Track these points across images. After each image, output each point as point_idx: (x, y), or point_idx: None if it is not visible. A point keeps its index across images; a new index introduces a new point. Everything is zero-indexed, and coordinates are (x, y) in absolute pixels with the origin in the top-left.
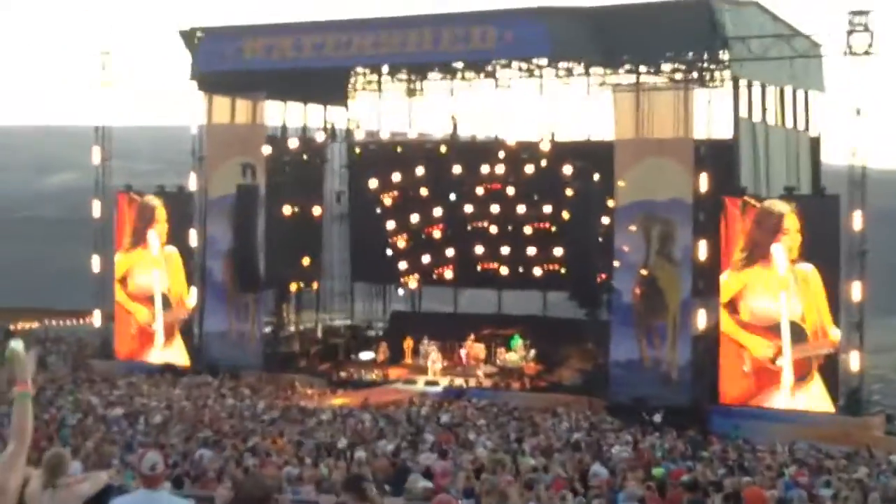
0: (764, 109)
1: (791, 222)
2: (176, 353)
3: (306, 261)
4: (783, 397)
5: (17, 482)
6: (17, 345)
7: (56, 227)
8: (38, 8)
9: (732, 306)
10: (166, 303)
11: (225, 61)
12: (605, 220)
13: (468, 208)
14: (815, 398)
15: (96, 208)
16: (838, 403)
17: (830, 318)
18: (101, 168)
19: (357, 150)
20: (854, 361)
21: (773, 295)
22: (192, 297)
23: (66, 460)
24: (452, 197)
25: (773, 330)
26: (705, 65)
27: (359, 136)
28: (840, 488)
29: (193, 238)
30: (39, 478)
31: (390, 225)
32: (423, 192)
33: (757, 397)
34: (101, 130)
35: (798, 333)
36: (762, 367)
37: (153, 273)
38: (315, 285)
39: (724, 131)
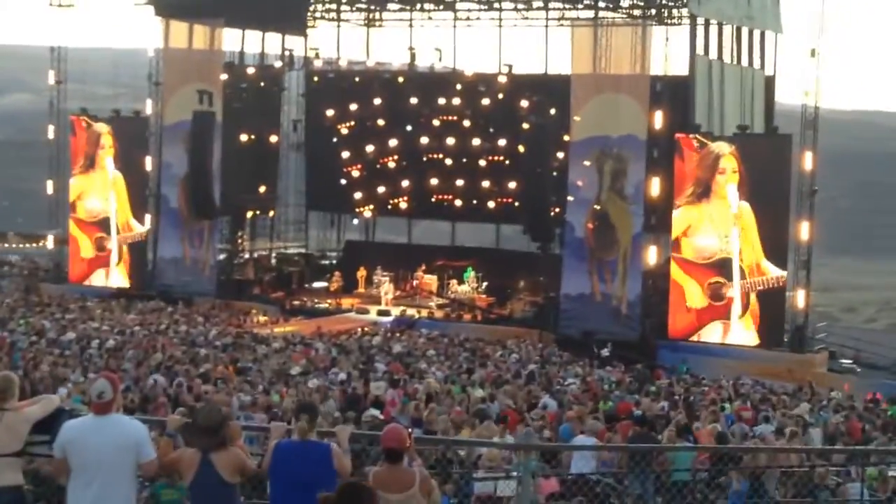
0: (720, 48)
1: (728, 162)
2: (122, 277)
3: (262, 188)
4: (724, 330)
5: None
6: None
7: (9, 149)
8: None
9: (680, 243)
10: (117, 226)
11: None
12: (560, 155)
13: (424, 140)
14: (750, 332)
15: (50, 131)
16: (778, 337)
17: (763, 255)
18: (56, 90)
19: (315, 79)
20: (800, 299)
21: (720, 232)
22: (140, 223)
23: (14, 384)
24: (409, 128)
25: (714, 266)
26: (663, 2)
27: (317, 64)
28: (784, 423)
29: (148, 164)
30: None
31: (346, 154)
32: (380, 122)
33: (700, 331)
34: (56, 51)
35: (739, 269)
36: (704, 302)
37: (110, 196)
38: (270, 213)
39: (681, 69)
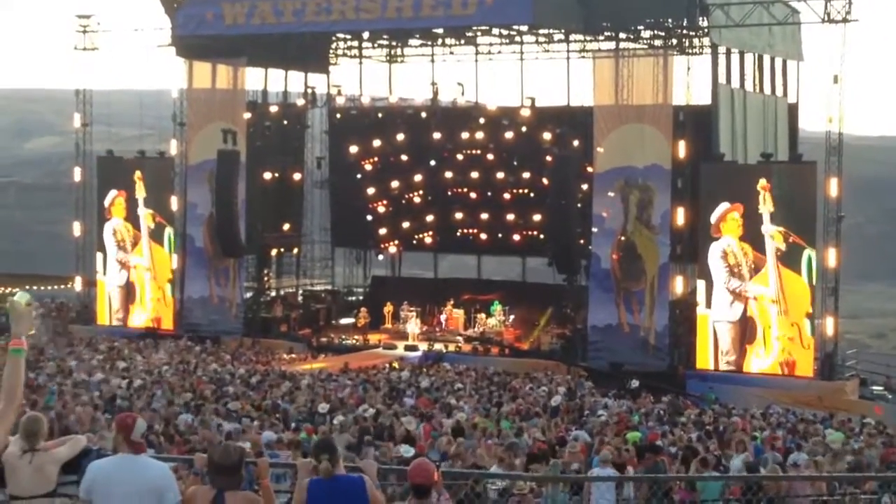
0: (742, 76)
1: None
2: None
3: (287, 226)
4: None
5: (1, 441)
6: (20, 297)
7: (36, 192)
8: None
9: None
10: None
11: (205, 26)
12: (584, 187)
13: (448, 174)
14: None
15: (77, 174)
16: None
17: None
18: (83, 133)
19: (338, 116)
20: (829, 326)
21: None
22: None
23: (43, 424)
24: (432, 163)
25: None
26: (684, 32)
27: (339, 101)
28: (815, 452)
29: (174, 204)
30: (17, 443)
31: (370, 190)
32: (404, 157)
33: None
34: (81, 94)
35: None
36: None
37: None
38: (296, 250)
39: (703, 98)
